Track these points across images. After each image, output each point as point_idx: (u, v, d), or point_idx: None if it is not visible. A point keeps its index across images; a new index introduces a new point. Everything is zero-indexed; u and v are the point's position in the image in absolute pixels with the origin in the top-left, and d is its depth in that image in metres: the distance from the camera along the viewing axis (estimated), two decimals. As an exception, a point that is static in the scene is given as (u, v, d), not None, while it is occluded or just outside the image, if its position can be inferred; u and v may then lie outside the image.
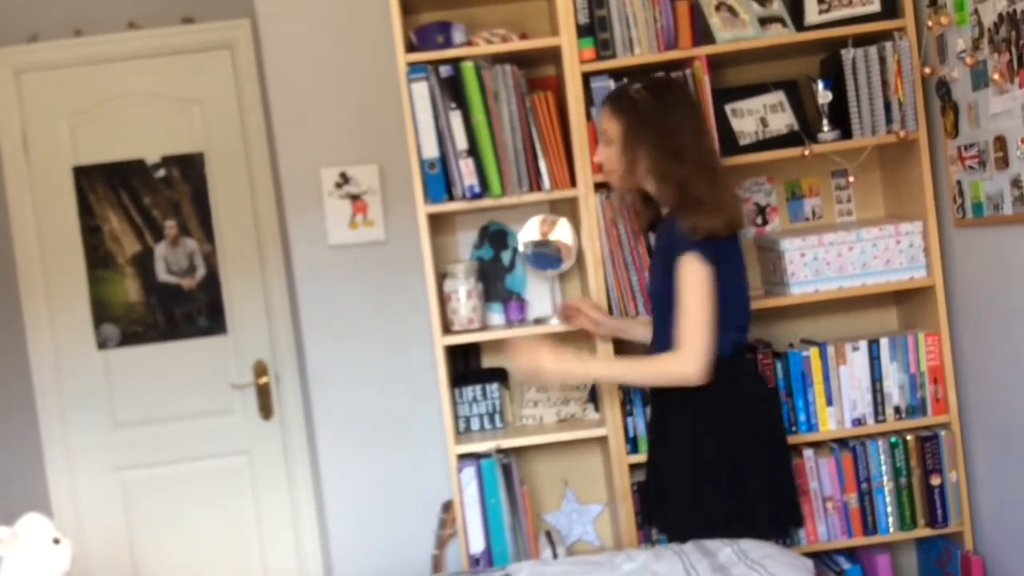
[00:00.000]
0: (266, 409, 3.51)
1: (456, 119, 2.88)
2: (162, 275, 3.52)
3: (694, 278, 2.41)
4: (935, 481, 2.96)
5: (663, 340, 2.56)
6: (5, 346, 3.37)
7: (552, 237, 3.05)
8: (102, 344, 3.52)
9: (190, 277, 3.53)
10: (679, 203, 2.46)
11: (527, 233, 3.05)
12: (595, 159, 2.70)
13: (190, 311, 3.53)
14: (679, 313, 2.43)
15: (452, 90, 2.89)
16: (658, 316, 2.61)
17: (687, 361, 2.40)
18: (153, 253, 3.52)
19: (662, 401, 2.62)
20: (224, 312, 3.53)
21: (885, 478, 2.97)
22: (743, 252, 2.57)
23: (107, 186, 3.52)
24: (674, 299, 2.46)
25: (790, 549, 2.48)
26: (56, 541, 2.04)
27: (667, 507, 2.56)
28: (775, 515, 2.54)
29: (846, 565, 2.99)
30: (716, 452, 2.47)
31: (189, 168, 3.53)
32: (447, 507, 3.15)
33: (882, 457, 2.97)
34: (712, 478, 2.46)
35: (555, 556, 2.97)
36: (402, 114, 2.93)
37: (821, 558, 2.99)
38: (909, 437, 2.97)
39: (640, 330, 2.84)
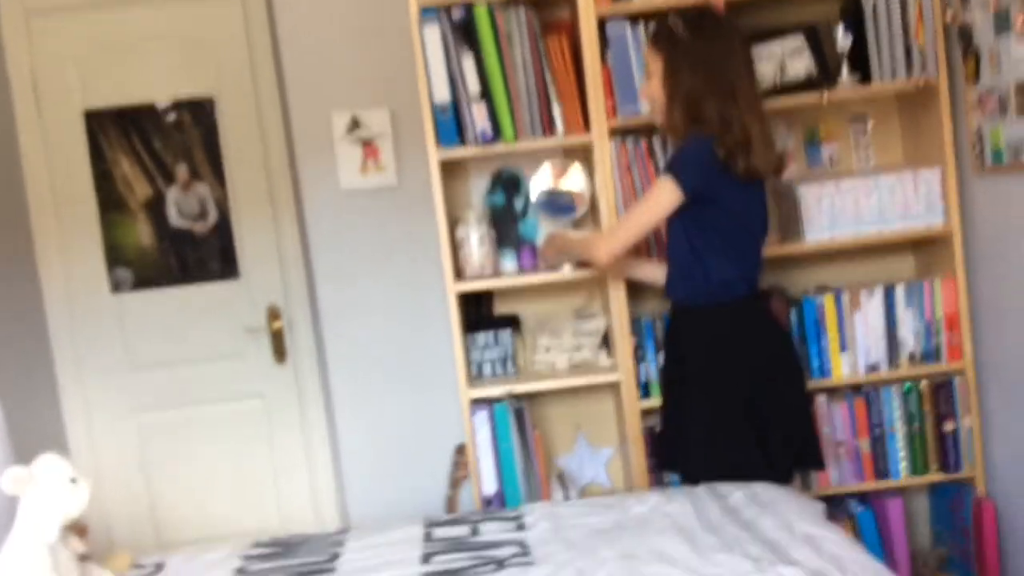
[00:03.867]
0: (279, 353, 3.52)
1: (468, 63, 2.85)
2: (174, 220, 3.52)
3: (659, 196, 2.49)
4: (948, 427, 2.96)
5: (676, 283, 2.58)
6: (20, 290, 3.39)
7: (565, 184, 3.02)
8: (116, 288, 3.53)
9: (202, 222, 3.52)
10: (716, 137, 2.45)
11: (540, 180, 3.03)
12: (641, 95, 2.64)
13: (203, 255, 3.53)
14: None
15: (465, 33, 2.85)
16: (675, 258, 2.61)
17: (608, 246, 2.57)
18: (165, 198, 3.51)
19: (678, 344, 2.62)
20: (236, 257, 3.52)
21: (898, 423, 2.98)
22: (764, 200, 2.56)
23: (118, 130, 3.50)
24: (687, 240, 2.50)
25: (802, 492, 2.49)
26: (73, 481, 2.05)
27: (686, 450, 2.56)
28: (796, 457, 2.55)
29: (858, 509, 3.00)
30: (734, 394, 2.47)
31: (199, 112, 3.50)
32: (460, 450, 3.18)
33: (895, 403, 2.97)
34: (731, 420, 2.46)
35: (567, 498, 3.00)
36: (414, 58, 2.89)
37: (833, 502, 3.00)
38: (923, 383, 2.98)
39: (649, 269, 2.83)
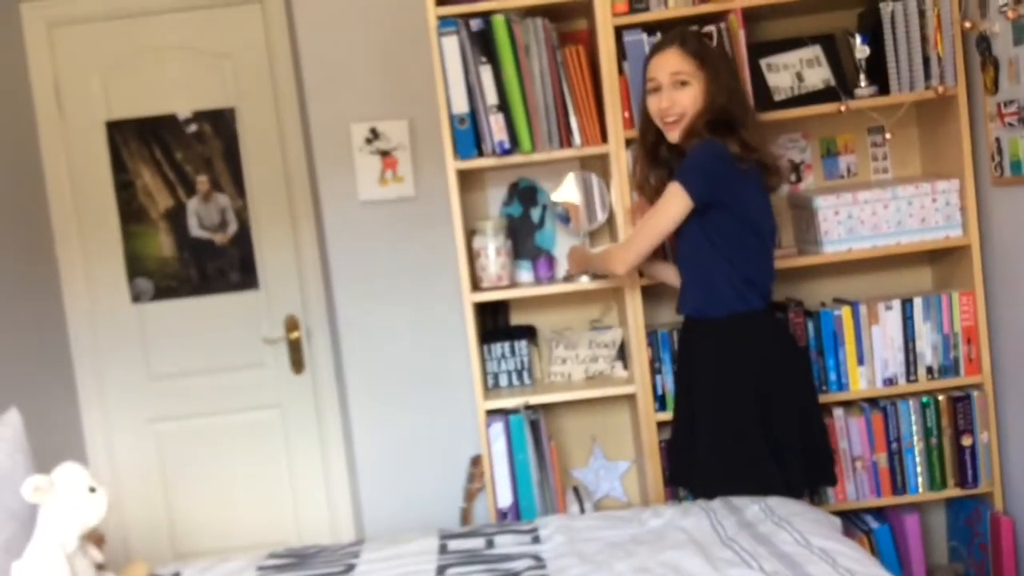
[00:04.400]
0: (297, 363, 3.54)
1: (486, 74, 2.86)
2: (194, 230, 3.55)
3: (669, 204, 2.49)
4: (966, 442, 2.94)
5: (688, 296, 2.59)
6: (42, 300, 3.42)
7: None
8: (136, 298, 3.56)
9: (222, 232, 3.55)
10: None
11: (563, 191, 3.05)
12: (659, 106, 2.57)
13: (222, 266, 3.55)
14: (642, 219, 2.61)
15: (483, 44, 2.86)
16: (686, 270, 2.61)
17: (623, 256, 2.58)
18: (185, 208, 3.54)
19: (690, 360, 2.62)
20: (256, 267, 3.55)
21: (915, 438, 2.95)
22: (770, 209, 2.56)
23: (139, 141, 3.53)
24: (698, 251, 2.52)
25: (818, 507, 2.48)
26: (92, 490, 2.07)
27: (696, 464, 2.56)
28: (806, 473, 2.54)
29: (874, 524, 2.99)
30: (746, 407, 2.46)
31: (220, 123, 3.53)
32: (475, 461, 3.18)
33: (913, 417, 2.95)
34: (743, 433, 2.46)
35: (582, 511, 2.99)
36: (432, 69, 2.91)
37: (849, 517, 2.99)
38: (941, 397, 2.95)
39: (670, 271, 2.84)
